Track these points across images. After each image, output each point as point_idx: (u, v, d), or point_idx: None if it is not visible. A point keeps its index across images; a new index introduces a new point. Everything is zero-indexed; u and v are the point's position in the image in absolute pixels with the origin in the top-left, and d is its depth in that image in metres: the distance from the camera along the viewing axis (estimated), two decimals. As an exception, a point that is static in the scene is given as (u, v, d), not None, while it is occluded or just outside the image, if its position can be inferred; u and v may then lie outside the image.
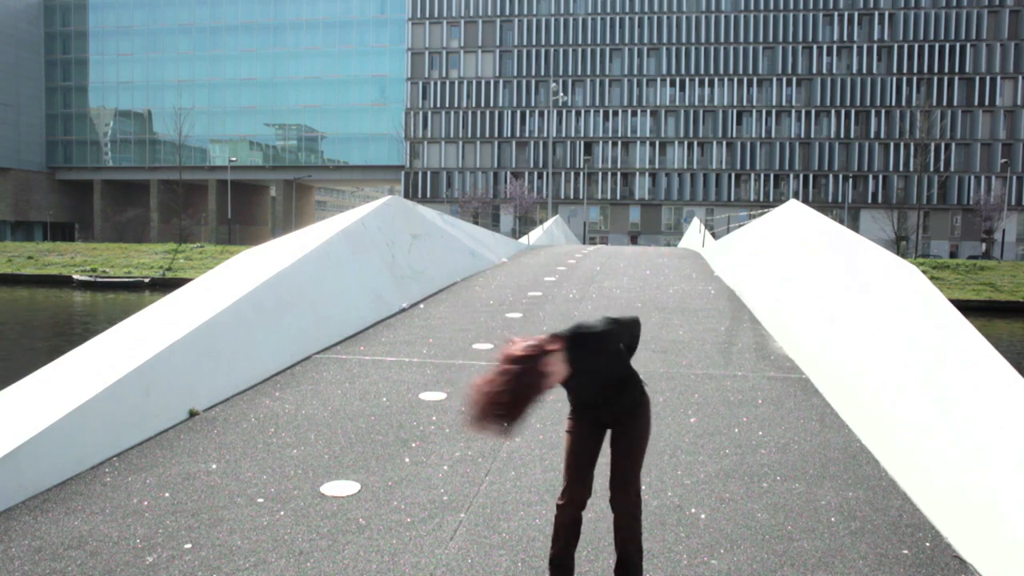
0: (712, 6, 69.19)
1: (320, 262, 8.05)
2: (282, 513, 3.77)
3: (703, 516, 3.79)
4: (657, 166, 70.93)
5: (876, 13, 67.24)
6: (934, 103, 65.22)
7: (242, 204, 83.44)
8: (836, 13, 67.75)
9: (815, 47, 68.08)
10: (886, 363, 5.16)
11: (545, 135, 70.72)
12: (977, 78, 65.93)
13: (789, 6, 68.46)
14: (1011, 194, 63.94)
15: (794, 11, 68.29)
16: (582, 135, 71.53)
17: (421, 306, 10.37)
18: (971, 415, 3.89)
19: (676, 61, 69.90)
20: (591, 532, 3.57)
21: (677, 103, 70.39)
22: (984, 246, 64.41)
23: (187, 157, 74.67)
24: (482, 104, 72.61)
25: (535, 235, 31.58)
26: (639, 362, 7.01)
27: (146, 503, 3.90)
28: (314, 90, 77.22)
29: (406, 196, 67.70)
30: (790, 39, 68.40)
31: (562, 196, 70.90)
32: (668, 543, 3.50)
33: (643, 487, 4.12)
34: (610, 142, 71.35)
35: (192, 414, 5.36)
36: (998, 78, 65.65)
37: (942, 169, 65.84)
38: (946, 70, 66.29)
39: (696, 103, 70.02)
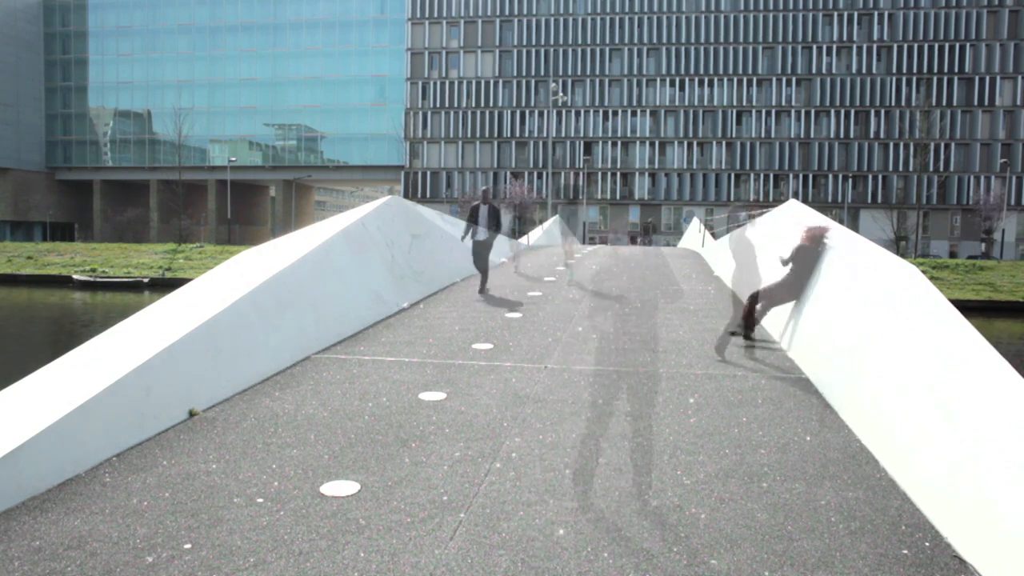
0: (712, 6, 69.18)
1: (320, 262, 8.04)
2: (282, 513, 3.77)
3: (703, 516, 3.79)
4: (657, 166, 70.91)
5: (876, 13, 67.24)
6: (934, 103, 65.21)
7: (242, 204, 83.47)
8: (836, 13, 67.74)
9: (815, 47, 68.07)
10: (886, 363, 5.16)
11: (545, 135, 70.70)
12: (977, 78, 65.94)
13: (789, 6, 68.45)
14: (1011, 194, 63.94)
15: (794, 11, 68.28)
16: (582, 135, 71.51)
17: (421, 306, 10.37)
18: (971, 415, 3.89)
19: (676, 61, 69.89)
20: (592, 531, 3.56)
21: (677, 103, 70.38)
22: (984, 246, 64.39)
23: (187, 157, 74.64)
24: (482, 104, 72.59)
25: (535, 235, 31.56)
26: (639, 362, 7.02)
27: (146, 503, 3.90)
28: (314, 90, 77.21)
29: (406, 196, 67.68)
30: (790, 39, 68.40)
31: (562, 196, 70.90)
32: (668, 543, 3.50)
33: (643, 487, 4.14)
34: (610, 142, 71.34)
35: (192, 414, 5.35)
36: (998, 78, 65.66)
37: (942, 169, 65.83)
38: (946, 70, 66.29)
39: (696, 103, 70.01)
